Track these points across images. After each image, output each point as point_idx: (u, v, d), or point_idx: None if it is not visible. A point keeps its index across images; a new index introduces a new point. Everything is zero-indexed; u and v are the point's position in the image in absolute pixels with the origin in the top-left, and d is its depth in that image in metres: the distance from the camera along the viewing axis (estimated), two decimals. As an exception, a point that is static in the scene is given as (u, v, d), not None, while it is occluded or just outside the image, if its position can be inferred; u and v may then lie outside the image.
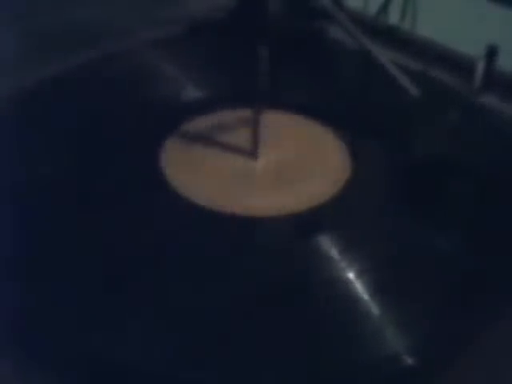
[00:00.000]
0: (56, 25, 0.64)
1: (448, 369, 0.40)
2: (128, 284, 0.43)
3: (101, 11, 0.66)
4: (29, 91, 0.57)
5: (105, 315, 0.41)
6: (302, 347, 0.40)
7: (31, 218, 0.47)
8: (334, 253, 0.46)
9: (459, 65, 0.63)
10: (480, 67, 0.59)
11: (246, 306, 0.42)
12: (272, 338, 0.40)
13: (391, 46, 0.65)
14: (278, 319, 0.41)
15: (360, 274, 0.44)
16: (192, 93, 0.60)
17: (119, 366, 0.39)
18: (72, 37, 0.63)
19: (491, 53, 0.59)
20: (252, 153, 0.52)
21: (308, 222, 0.48)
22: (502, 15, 0.69)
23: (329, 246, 0.46)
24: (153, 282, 0.43)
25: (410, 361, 0.40)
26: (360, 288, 0.43)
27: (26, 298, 0.42)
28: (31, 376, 0.39)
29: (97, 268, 0.44)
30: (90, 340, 0.40)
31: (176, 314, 0.41)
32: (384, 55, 0.59)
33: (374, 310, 0.43)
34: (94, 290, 0.42)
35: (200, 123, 0.55)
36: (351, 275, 0.44)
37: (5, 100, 0.56)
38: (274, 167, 0.51)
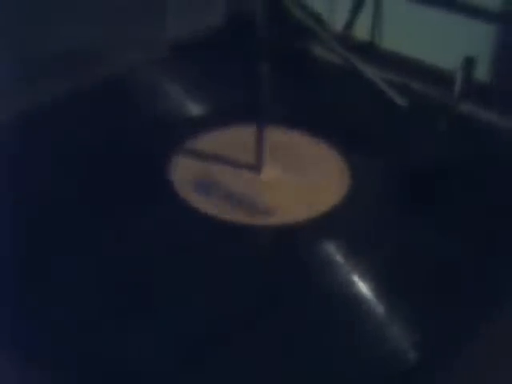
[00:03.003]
0: (43, 50, 0.65)
1: (450, 365, 0.42)
2: (135, 291, 0.46)
3: (84, 36, 0.67)
4: (30, 113, 0.60)
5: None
6: (307, 345, 0.43)
7: (39, 233, 0.49)
8: (338, 258, 0.49)
9: (435, 76, 0.67)
10: (458, 78, 0.63)
11: (255, 303, 0.45)
12: (278, 336, 0.43)
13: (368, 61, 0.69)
14: (286, 318, 0.44)
15: (362, 276, 0.47)
16: (194, 110, 0.63)
17: (118, 367, 0.41)
18: (59, 61, 0.64)
19: (468, 64, 0.63)
20: (255, 167, 0.55)
21: (311, 231, 0.51)
22: (472, 28, 0.74)
23: (332, 252, 0.49)
24: (160, 289, 0.46)
25: (412, 357, 0.43)
26: (363, 289, 0.47)
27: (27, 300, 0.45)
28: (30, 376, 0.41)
29: (106, 279, 0.46)
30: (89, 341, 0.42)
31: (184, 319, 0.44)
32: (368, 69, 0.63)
33: (377, 309, 0.45)
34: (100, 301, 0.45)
35: (205, 139, 0.58)
36: (354, 277, 0.47)
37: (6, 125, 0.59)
38: (276, 180, 0.55)
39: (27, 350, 0.42)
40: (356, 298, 0.46)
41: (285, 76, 0.61)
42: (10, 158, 0.55)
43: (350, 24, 0.74)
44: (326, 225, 0.51)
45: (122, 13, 0.68)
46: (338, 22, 0.73)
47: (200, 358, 0.42)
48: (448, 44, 0.68)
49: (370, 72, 0.63)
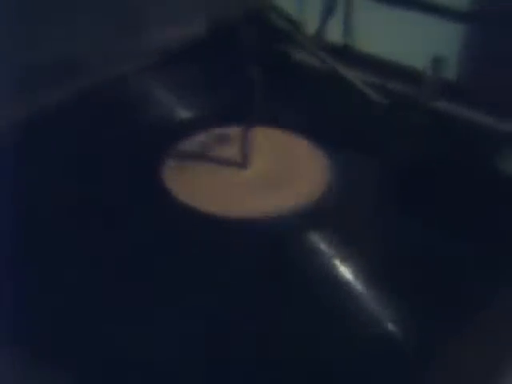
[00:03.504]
0: (33, 61, 0.66)
1: (440, 354, 0.45)
2: (133, 286, 0.49)
3: (70, 47, 0.69)
4: (20, 124, 0.62)
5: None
6: (298, 332, 0.46)
7: (39, 235, 0.52)
8: (324, 247, 0.53)
9: (408, 75, 0.70)
10: (427, 76, 0.67)
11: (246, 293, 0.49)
12: (268, 326, 0.46)
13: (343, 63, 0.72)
14: (275, 306, 0.47)
15: (347, 263, 0.51)
16: (182, 114, 0.66)
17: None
18: (46, 72, 0.66)
19: (437, 63, 0.67)
20: (242, 164, 0.59)
21: (295, 222, 0.54)
22: (442, 28, 0.78)
23: (317, 241, 0.53)
24: (156, 282, 0.49)
25: (402, 344, 0.46)
26: (349, 276, 0.50)
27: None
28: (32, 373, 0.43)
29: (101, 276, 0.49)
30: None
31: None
32: (346, 71, 0.67)
33: (367, 297, 0.49)
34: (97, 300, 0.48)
35: (193, 141, 0.61)
36: (340, 264, 0.51)
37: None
38: (262, 175, 0.58)
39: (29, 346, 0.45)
40: (340, 284, 0.49)
41: (266, 79, 0.64)
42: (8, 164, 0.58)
43: (322, 28, 0.78)
44: (309, 215, 0.54)
45: (108, 24, 0.71)
46: (310, 26, 0.77)
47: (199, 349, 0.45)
48: (418, 44, 0.72)
49: (348, 73, 0.67)
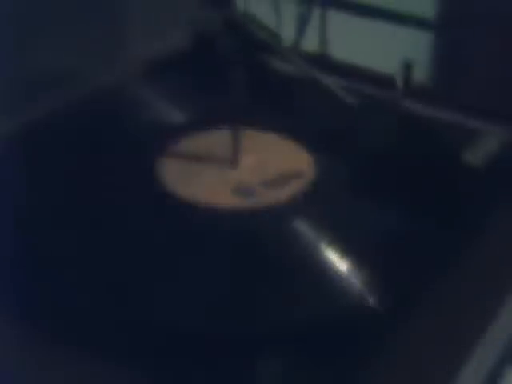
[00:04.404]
0: (20, 71, 0.69)
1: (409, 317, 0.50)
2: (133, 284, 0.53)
3: (57, 57, 0.72)
4: (15, 134, 0.65)
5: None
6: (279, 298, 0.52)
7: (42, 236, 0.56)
8: (308, 234, 0.58)
9: (379, 80, 0.76)
10: (398, 80, 0.72)
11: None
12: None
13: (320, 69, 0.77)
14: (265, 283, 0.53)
15: (330, 247, 0.56)
16: (173, 119, 0.70)
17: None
18: (34, 82, 0.68)
19: (406, 67, 0.72)
20: (231, 163, 0.63)
21: (285, 212, 0.59)
22: (409, 34, 0.83)
23: (306, 228, 0.58)
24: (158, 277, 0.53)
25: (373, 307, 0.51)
26: (332, 256, 0.55)
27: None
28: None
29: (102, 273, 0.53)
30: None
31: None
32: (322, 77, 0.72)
33: (342, 267, 0.54)
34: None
35: (187, 143, 0.66)
36: (323, 248, 0.56)
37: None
38: (252, 172, 0.63)
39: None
40: (324, 263, 0.55)
41: (248, 86, 0.69)
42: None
43: (299, 37, 0.83)
44: (296, 206, 0.59)
45: (94, 36, 0.74)
46: (286, 36, 0.81)
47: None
48: (389, 50, 0.77)
49: (324, 79, 0.72)
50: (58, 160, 0.63)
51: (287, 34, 0.81)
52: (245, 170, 0.63)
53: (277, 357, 0.48)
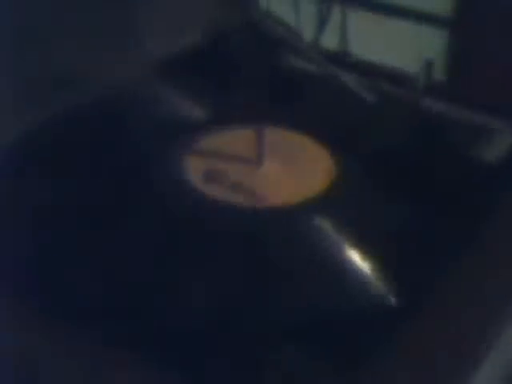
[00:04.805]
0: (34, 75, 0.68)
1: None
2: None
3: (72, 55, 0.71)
4: (32, 132, 0.65)
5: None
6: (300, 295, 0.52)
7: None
8: (330, 232, 0.59)
9: (399, 77, 0.76)
10: (421, 78, 0.72)
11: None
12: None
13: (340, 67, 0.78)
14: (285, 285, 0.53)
15: (350, 244, 0.57)
16: (192, 117, 0.71)
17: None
18: (48, 81, 0.68)
19: (428, 65, 0.73)
20: (256, 161, 0.64)
21: (308, 211, 0.60)
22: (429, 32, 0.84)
23: (325, 228, 0.59)
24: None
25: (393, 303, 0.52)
26: (352, 254, 0.56)
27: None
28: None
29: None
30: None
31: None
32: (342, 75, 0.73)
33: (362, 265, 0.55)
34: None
35: (210, 140, 0.66)
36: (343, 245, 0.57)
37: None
38: (276, 170, 0.63)
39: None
40: (345, 261, 0.56)
41: (266, 84, 0.70)
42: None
43: (318, 35, 0.83)
44: (318, 206, 0.60)
45: (106, 36, 0.74)
46: (305, 33, 0.82)
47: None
48: (410, 48, 0.78)
49: (344, 77, 0.72)
50: (78, 158, 0.64)
51: (307, 32, 0.81)
52: (267, 168, 0.64)
53: (292, 352, 0.48)
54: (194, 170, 0.62)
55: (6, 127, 0.63)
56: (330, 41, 0.81)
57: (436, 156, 0.66)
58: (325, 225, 0.59)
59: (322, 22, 0.83)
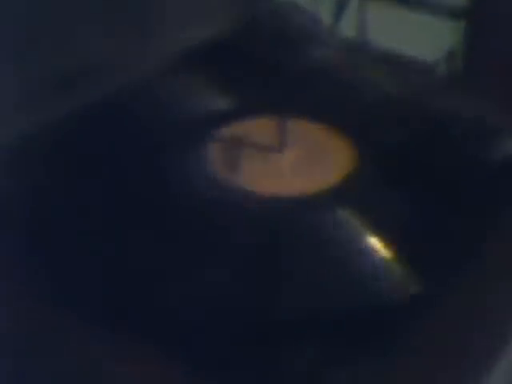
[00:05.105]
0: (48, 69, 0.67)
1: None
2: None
3: (94, 46, 0.70)
4: (53, 123, 0.64)
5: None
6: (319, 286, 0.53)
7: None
8: (350, 221, 0.59)
9: (419, 69, 0.76)
10: (442, 69, 0.72)
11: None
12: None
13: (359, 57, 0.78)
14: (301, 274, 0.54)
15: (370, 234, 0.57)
16: (219, 105, 0.71)
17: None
18: (72, 72, 0.67)
19: (450, 55, 0.73)
20: (278, 149, 0.64)
21: (326, 201, 0.60)
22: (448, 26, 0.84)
23: (344, 216, 0.59)
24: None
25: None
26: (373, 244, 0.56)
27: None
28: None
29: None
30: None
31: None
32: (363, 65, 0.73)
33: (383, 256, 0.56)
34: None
35: (232, 129, 0.66)
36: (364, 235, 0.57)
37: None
38: (295, 160, 0.63)
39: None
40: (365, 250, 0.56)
41: (289, 74, 0.69)
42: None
43: (335, 24, 0.83)
44: (336, 195, 0.60)
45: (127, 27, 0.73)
46: (324, 22, 0.82)
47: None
48: (427, 39, 0.78)
49: (364, 67, 0.72)
50: (98, 150, 0.63)
51: (325, 20, 0.81)
52: (289, 157, 0.64)
53: (311, 344, 0.49)
54: (215, 158, 0.62)
55: (23, 121, 0.63)
56: (349, 30, 0.81)
57: (452, 150, 0.66)
58: (342, 215, 0.59)
59: (340, 10, 0.83)
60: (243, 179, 0.60)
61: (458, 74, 0.76)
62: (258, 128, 0.66)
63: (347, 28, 0.83)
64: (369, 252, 0.56)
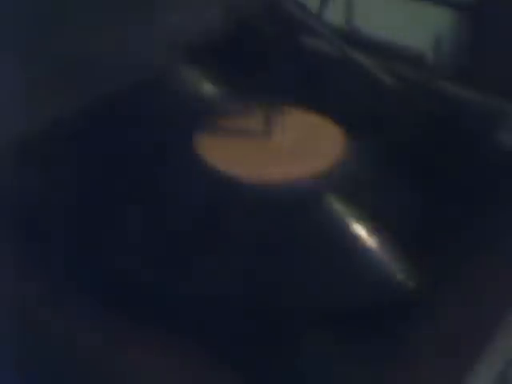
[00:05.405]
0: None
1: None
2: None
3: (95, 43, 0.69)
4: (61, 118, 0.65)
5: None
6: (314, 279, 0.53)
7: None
8: (339, 207, 0.59)
9: (409, 57, 0.76)
10: (431, 57, 0.72)
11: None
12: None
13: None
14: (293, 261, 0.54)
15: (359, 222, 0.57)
16: (209, 94, 0.71)
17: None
18: (72, 69, 0.67)
19: (438, 42, 0.72)
20: (265, 135, 0.64)
21: (314, 186, 0.60)
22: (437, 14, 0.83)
23: (332, 202, 0.60)
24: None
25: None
26: (362, 232, 0.57)
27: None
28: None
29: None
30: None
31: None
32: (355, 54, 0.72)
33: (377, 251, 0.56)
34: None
35: (225, 120, 0.66)
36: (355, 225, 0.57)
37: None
38: (283, 147, 0.64)
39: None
40: (354, 239, 0.56)
41: (282, 62, 0.69)
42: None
43: (321, 11, 0.82)
44: (325, 181, 0.60)
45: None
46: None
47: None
48: (418, 26, 0.78)
49: (357, 56, 0.72)
50: (98, 145, 0.63)
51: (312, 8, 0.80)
52: (277, 144, 0.64)
53: (311, 344, 0.49)
54: (208, 147, 0.62)
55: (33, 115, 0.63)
56: (338, 18, 0.81)
57: (450, 140, 0.66)
58: (332, 203, 0.59)
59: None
60: (236, 168, 0.60)
61: (454, 65, 0.76)
62: (251, 117, 0.66)
63: (334, 15, 0.82)
64: (363, 246, 0.56)
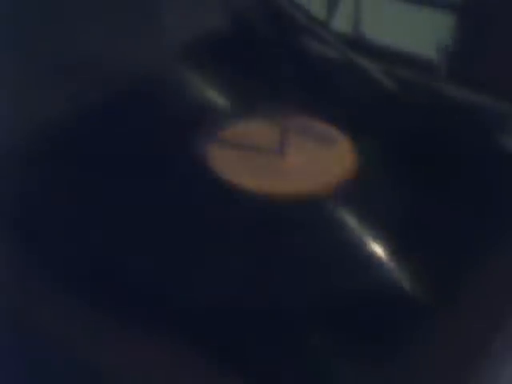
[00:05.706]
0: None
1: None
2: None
3: (95, 43, 0.70)
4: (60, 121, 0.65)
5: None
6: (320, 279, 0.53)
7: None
8: (351, 221, 0.59)
9: (414, 62, 0.76)
10: (438, 62, 0.72)
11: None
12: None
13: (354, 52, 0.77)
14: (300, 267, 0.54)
15: (371, 234, 0.57)
16: (219, 104, 0.71)
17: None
18: (73, 68, 0.68)
19: (442, 50, 0.72)
20: (278, 149, 0.64)
21: (329, 201, 0.60)
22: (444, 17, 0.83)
23: (347, 214, 0.59)
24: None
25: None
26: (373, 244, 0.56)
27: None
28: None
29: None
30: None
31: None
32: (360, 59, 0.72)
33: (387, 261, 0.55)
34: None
35: (235, 130, 0.66)
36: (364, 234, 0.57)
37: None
38: (297, 162, 0.63)
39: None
40: (366, 250, 0.56)
41: (286, 70, 0.69)
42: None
43: (329, 18, 0.82)
44: (339, 193, 0.60)
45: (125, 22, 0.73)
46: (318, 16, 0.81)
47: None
48: (423, 32, 0.77)
49: (361, 62, 0.72)
50: (100, 147, 0.64)
51: (319, 15, 0.80)
52: (290, 157, 0.64)
53: (311, 344, 0.49)
54: (218, 158, 0.62)
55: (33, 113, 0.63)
56: (344, 25, 0.80)
57: (457, 143, 0.66)
58: (344, 213, 0.59)
59: (332, 4, 0.82)
60: (244, 179, 0.60)
61: (455, 69, 0.75)
62: (260, 127, 0.66)
63: (341, 23, 0.82)
64: (369, 251, 0.55)
